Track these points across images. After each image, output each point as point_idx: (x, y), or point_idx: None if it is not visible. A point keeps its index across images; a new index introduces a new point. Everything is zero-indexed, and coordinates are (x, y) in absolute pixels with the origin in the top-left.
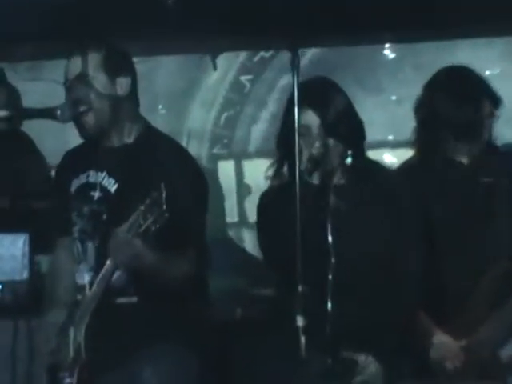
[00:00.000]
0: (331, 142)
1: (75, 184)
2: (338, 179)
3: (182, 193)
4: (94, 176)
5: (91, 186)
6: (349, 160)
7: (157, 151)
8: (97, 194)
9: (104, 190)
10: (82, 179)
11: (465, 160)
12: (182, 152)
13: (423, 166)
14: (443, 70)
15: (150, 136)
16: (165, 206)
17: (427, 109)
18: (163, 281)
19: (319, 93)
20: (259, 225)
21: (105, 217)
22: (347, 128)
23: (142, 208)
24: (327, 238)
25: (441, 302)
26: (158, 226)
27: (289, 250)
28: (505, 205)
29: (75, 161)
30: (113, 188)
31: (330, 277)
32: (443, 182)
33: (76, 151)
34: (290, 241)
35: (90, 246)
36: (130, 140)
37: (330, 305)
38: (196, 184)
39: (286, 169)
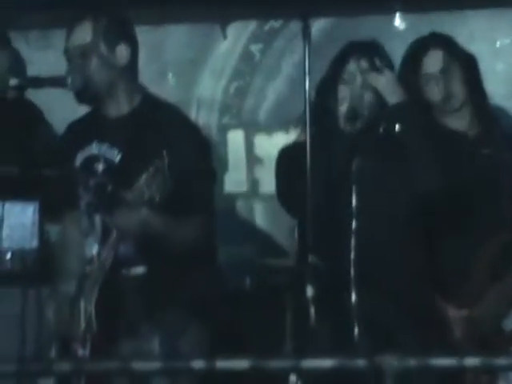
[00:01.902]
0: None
1: (80, 157)
2: (367, 140)
3: (185, 158)
4: (97, 148)
5: (95, 159)
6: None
7: (157, 118)
8: (101, 166)
9: (107, 161)
10: (87, 152)
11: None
12: (183, 118)
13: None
14: None
15: (150, 104)
16: (167, 174)
17: None
18: (170, 247)
19: (374, 45)
20: (278, 176)
21: (110, 188)
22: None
23: (145, 176)
24: (351, 200)
25: (444, 272)
26: (161, 193)
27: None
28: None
29: (78, 133)
30: (116, 158)
31: (352, 242)
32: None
33: (78, 123)
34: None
35: (97, 218)
36: (130, 109)
37: (352, 271)
38: (199, 149)
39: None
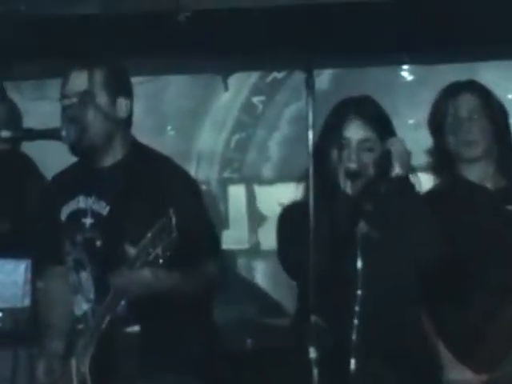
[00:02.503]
0: (370, 156)
1: (65, 211)
2: (369, 204)
3: (184, 208)
4: (83, 201)
5: (82, 213)
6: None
7: (147, 168)
8: (88, 221)
9: (95, 215)
10: (72, 206)
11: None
12: (174, 165)
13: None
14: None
15: (138, 152)
16: (175, 233)
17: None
18: (175, 302)
19: (370, 106)
20: (280, 237)
21: (99, 244)
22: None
23: (150, 235)
24: (355, 264)
25: (462, 334)
26: (168, 253)
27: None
28: None
29: (63, 186)
30: (104, 211)
31: (356, 308)
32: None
33: (63, 175)
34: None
35: (86, 275)
36: (117, 159)
37: (354, 338)
38: (195, 199)
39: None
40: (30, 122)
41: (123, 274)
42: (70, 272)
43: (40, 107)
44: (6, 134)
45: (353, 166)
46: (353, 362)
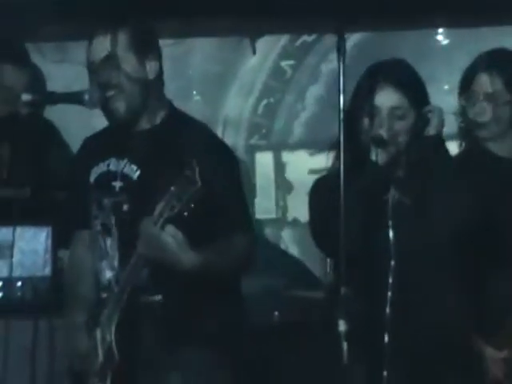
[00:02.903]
0: (402, 124)
1: (95, 173)
2: (400, 171)
3: (217, 171)
4: (114, 164)
5: (112, 175)
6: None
7: (183, 133)
8: (118, 184)
9: (125, 178)
10: (102, 168)
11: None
12: (210, 132)
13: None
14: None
15: (176, 118)
16: (199, 184)
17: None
18: (196, 278)
19: (402, 71)
20: (312, 208)
21: (127, 208)
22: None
23: (174, 188)
24: (388, 235)
25: (484, 311)
26: (193, 207)
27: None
28: None
29: (95, 148)
30: (135, 175)
31: (389, 280)
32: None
33: (96, 137)
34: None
35: (111, 241)
36: (153, 124)
37: (388, 311)
38: (230, 165)
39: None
40: (51, 85)
41: (145, 229)
42: (97, 237)
43: (62, 70)
44: (27, 97)
45: (381, 133)
46: (386, 335)
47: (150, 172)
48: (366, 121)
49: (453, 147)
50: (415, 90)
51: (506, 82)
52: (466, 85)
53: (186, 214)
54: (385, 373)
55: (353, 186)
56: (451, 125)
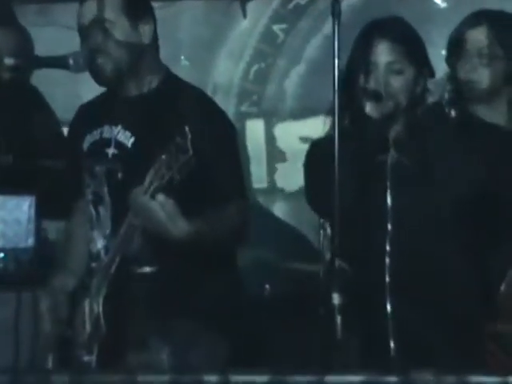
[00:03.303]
0: (400, 79)
1: (88, 141)
2: (399, 131)
3: (211, 139)
4: (108, 131)
5: (105, 142)
6: None
7: (178, 98)
8: (111, 151)
9: (119, 145)
10: (96, 135)
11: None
12: (207, 100)
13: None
14: None
15: (171, 84)
16: (191, 152)
17: None
18: (190, 249)
19: (399, 27)
20: (307, 174)
21: (120, 176)
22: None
23: (165, 156)
24: (385, 198)
25: (491, 283)
26: (184, 175)
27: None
28: None
29: (89, 115)
30: (129, 142)
31: (387, 247)
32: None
33: (90, 105)
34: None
35: (104, 209)
36: (148, 89)
37: (387, 279)
38: (226, 130)
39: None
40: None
41: (135, 198)
42: (88, 206)
43: (45, 34)
44: (9, 61)
45: (377, 87)
46: (388, 305)
47: (146, 139)
48: (362, 78)
49: None
50: (413, 46)
51: (498, 37)
52: (457, 43)
53: (176, 182)
54: (391, 344)
55: (349, 144)
56: None
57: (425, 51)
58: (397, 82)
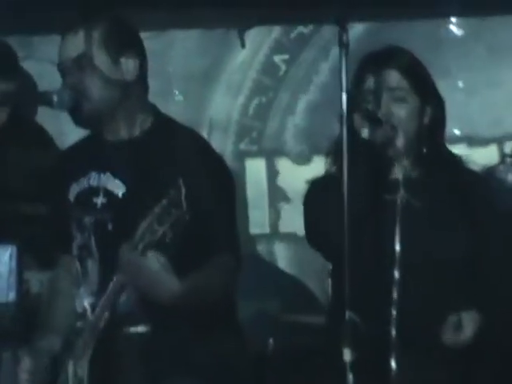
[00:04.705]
0: (403, 107)
1: (74, 190)
2: (409, 170)
3: (205, 190)
4: (95, 178)
5: (93, 191)
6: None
7: (171, 144)
8: (100, 201)
9: (109, 194)
10: (83, 183)
11: None
12: (202, 143)
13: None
14: None
15: (162, 126)
16: (185, 207)
17: None
18: (184, 307)
19: (401, 55)
20: (307, 212)
21: (110, 227)
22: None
23: (157, 210)
24: (393, 242)
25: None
26: (176, 231)
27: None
28: None
29: (74, 161)
30: (120, 192)
31: (393, 295)
32: None
33: (74, 149)
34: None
35: (93, 264)
36: (138, 133)
37: (393, 332)
38: (221, 180)
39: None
40: None
41: (124, 255)
42: (74, 261)
43: (26, 68)
44: None
45: (375, 110)
46: (392, 361)
47: (137, 187)
48: (363, 104)
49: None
50: (417, 75)
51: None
52: None
53: (168, 239)
54: None
55: (353, 180)
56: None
57: (431, 80)
58: (399, 110)
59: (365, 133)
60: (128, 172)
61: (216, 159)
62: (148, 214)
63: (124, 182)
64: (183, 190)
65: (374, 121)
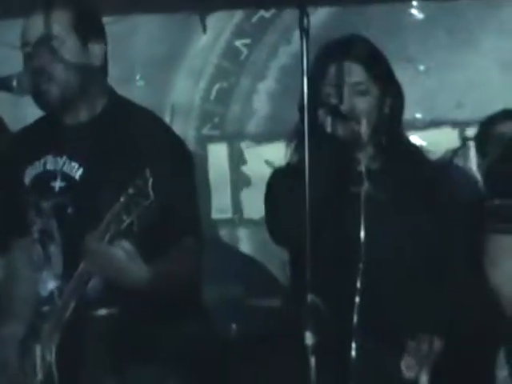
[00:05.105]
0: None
1: (30, 174)
2: (372, 162)
3: (165, 172)
4: (52, 162)
5: (50, 175)
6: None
7: (128, 124)
8: (58, 184)
9: (66, 177)
10: (38, 167)
11: None
12: (160, 124)
13: None
14: None
15: (118, 107)
16: (152, 196)
17: None
18: (151, 291)
19: (359, 45)
20: (269, 203)
21: (70, 211)
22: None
23: (123, 200)
24: (358, 233)
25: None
26: (144, 220)
27: (302, 243)
28: None
29: (28, 144)
30: (77, 174)
31: (357, 284)
32: None
33: (28, 132)
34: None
35: (54, 248)
36: (93, 114)
37: (355, 319)
38: (183, 162)
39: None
40: None
41: (91, 245)
42: (34, 245)
43: None
44: None
45: (339, 105)
46: (353, 347)
47: (95, 170)
48: (324, 96)
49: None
50: (376, 64)
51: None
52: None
53: (135, 228)
54: None
55: (317, 171)
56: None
57: (390, 69)
58: (362, 104)
59: (328, 127)
60: (85, 155)
61: (175, 140)
62: (114, 203)
63: (81, 164)
64: (150, 180)
65: (338, 116)
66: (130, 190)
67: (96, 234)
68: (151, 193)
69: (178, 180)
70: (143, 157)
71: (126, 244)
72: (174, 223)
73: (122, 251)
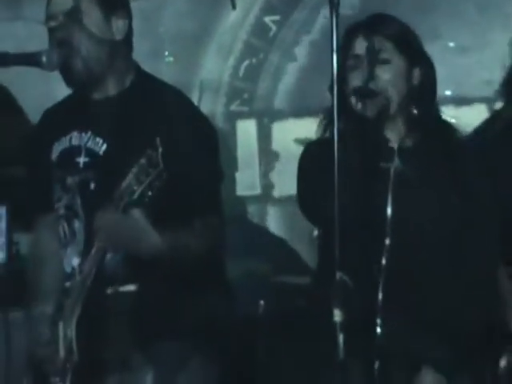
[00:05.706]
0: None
1: (56, 149)
2: (404, 138)
3: (185, 149)
4: (77, 138)
5: (75, 151)
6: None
7: (152, 101)
8: (82, 160)
9: (91, 153)
10: (64, 143)
11: None
12: (186, 103)
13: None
14: None
15: (144, 84)
16: (162, 165)
17: None
18: (169, 262)
19: (384, 21)
20: (301, 179)
21: (93, 186)
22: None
23: (135, 170)
24: (385, 210)
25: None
26: (154, 190)
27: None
28: None
29: (56, 121)
30: (101, 149)
31: (383, 261)
32: None
33: (57, 109)
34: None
35: (79, 224)
36: (119, 90)
37: (380, 297)
38: (204, 138)
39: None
40: (3, 46)
41: (105, 218)
42: (60, 221)
43: (13, 29)
44: None
45: (362, 83)
46: (378, 324)
47: (118, 146)
48: (349, 76)
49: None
50: (401, 36)
51: None
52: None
53: (147, 198)
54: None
55: (347, 147)
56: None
57: (417, 42)
58: (384, 73)
59: (358, 105)
60: (109, 130)
61: (199, 116)
62: (126, 175)
63: (105, 140)
64: (160, 149)
65: (365, 94)
66: (141, 160)
67: (110, 206)
68: (160, 162)
69: (199, 155)
70: (166, 132)
71: (137, 212)
72: (193, 198)
73: (135, 218)
